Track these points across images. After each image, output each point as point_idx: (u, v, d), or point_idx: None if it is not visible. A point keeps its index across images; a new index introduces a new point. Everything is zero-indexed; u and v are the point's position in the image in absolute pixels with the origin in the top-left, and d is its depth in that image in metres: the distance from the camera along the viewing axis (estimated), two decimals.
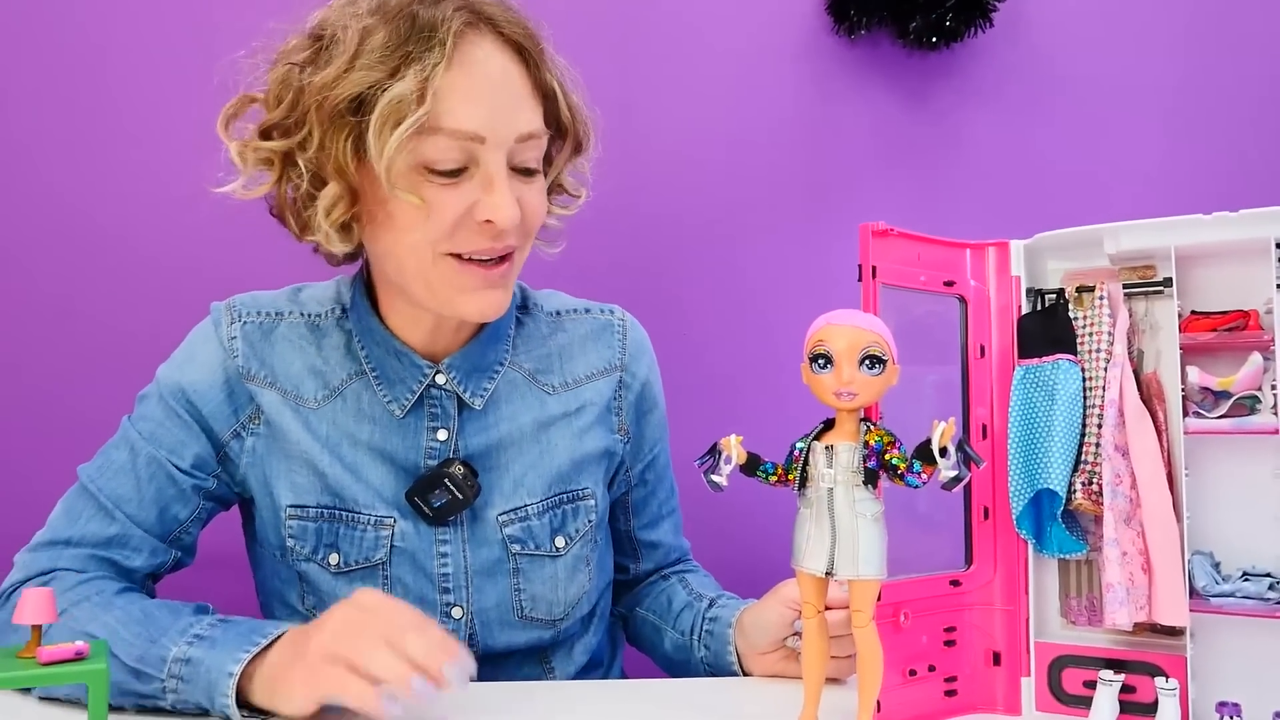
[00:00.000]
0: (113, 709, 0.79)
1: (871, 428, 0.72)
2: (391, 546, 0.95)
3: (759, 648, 0.98)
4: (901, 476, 0.71)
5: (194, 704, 0.78)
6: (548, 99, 0.90)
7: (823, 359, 0.72)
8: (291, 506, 0.94)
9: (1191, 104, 1.61)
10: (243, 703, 0.77)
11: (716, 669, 1.03)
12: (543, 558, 0.99)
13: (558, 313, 1.07)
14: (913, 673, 0.81)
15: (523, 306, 1.06)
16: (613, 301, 1.11)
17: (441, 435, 0.96)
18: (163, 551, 0.94)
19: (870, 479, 0.71)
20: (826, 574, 0.72)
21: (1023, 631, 0.84)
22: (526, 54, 0.87)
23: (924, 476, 0.70)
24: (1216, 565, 0.81)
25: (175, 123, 1.41)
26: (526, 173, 0.89)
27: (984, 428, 0.86)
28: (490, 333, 0.99)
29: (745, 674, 1.01)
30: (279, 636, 0.79)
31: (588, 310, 1.08)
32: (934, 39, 1.57)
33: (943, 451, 0.69)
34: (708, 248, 1.56)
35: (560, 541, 1.00)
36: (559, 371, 1.03)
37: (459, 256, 0.86)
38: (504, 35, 0.85)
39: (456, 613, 0.97)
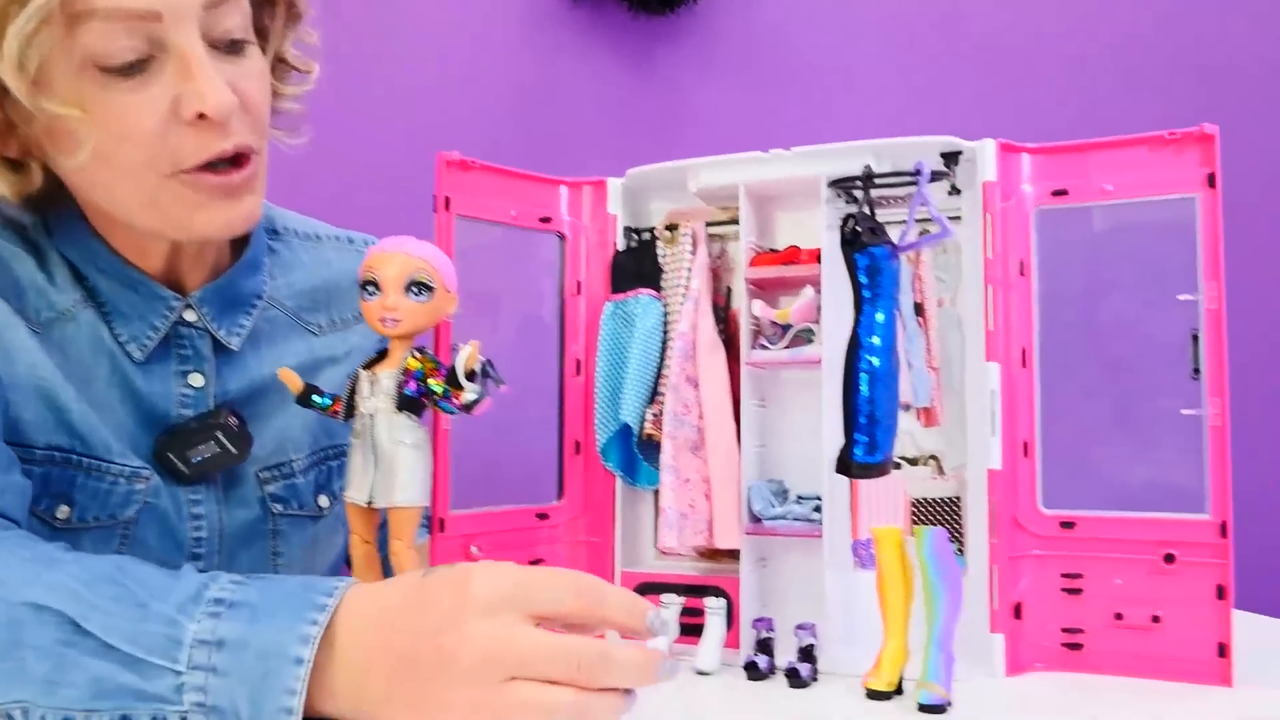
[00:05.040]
0: None
1: (415, 354, 0.72)
2: (144, 504, 0.79)
3: None
4: (438, 403, 0.71)
5: (224, 708, 0.52)
6: None
7: (372, 285, 0.71)
8: (12, 445, 0.74)
9: (901, 65, 1.68)
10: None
11: None
12: (304, 519, 0.89)
13: (317, 236, 0.94)
14: None
15: (271, 230, 0.90)
16: None
17: (196, 381, 0.81)
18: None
19: (407, 406, 0.71)
20: (368, 504, 0.71)
21: (610, 562, 0.86)
22: None
23: (456, 401, 0.70)
24: (784, 492, 0.85)
25: None
26: (233, 47, 0.72)
27: (578, 363, 0.87)
28: (246, 261, 0.84)
29: None
30: (340, 599, 0.55)
31: (350, 240, 0.96)
32: (657, 4, 1.60)
33: (471, 375, 0.69)
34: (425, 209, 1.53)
35: (324, 500, 0.90)
36: (325, 309, 0.91)
37: (185, 170, 0.71)
38: None
39: None
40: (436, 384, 0.71)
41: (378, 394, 0.71)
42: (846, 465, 0.66)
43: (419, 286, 0.71)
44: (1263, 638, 0.84)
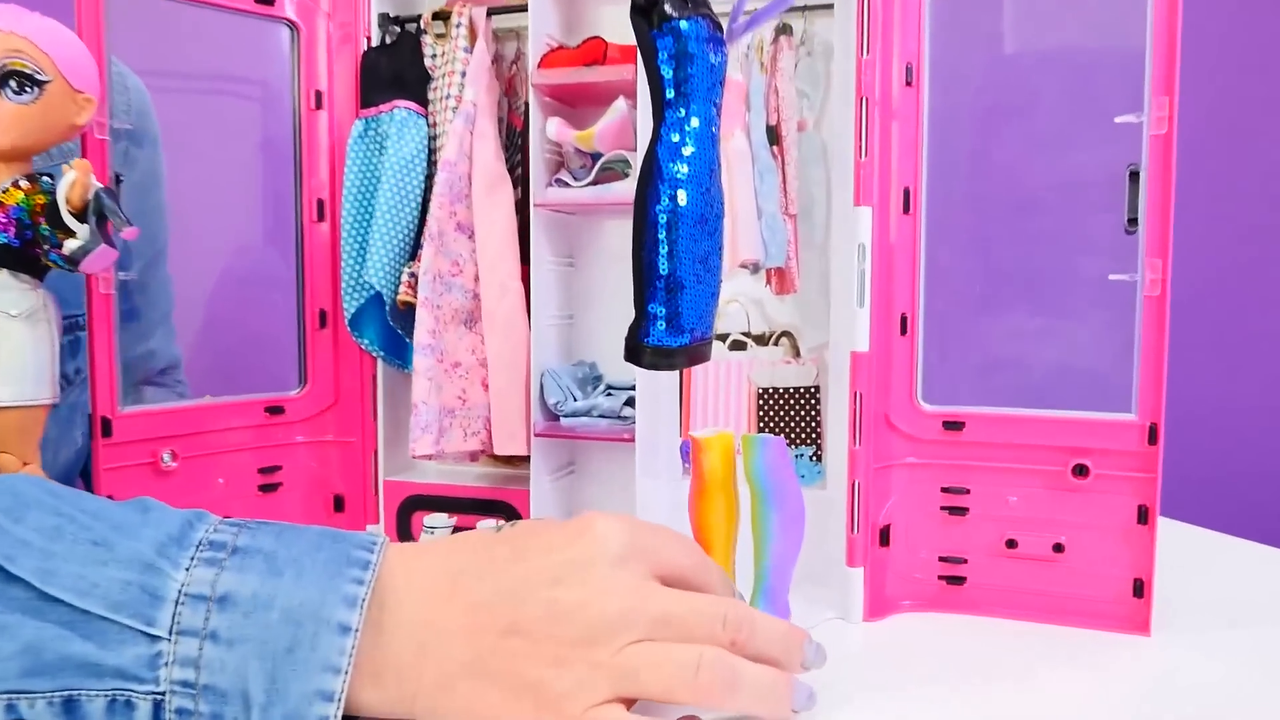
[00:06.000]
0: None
1: (21, 183, 0.49)
2: None
3: None
4: (49, 255, 0.48)
5: (225, 689, 0.35)
6: None
7: None
8: None
9: None
10: None
11: None
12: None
13: None
14: None
15: None
16: None
17: None
18: None
19: (8, 261, 0.48)
20: None
21: (369, 469, 0.66)
22: None
23: (66, 251, 0.48)
24: (596, 379, 0.65)
25: None
26: None
27: (320, 205, 0.64)
28: None
29: None
30: (382, 553, 0.39)
31: None
32: None
33: (82, 214, 0.46)
34: None
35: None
36: None
37: None
38: None
39: None
40: (50, 228, 0.48)
41: None
42: (637, 350, 0.46)
43: (19, 79, 0.48)
44: (1188, 553, 0.68)
